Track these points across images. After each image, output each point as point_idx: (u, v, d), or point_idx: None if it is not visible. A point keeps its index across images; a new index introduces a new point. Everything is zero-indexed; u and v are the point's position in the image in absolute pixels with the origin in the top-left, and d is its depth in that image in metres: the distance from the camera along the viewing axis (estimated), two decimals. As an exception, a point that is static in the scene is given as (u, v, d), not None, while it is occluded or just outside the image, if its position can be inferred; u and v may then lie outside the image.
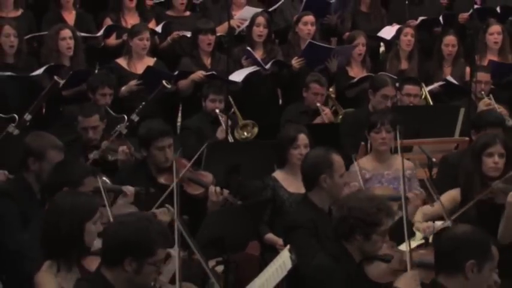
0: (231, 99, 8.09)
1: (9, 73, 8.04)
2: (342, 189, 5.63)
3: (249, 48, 8.78)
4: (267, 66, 8.69)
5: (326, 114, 8.20)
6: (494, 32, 9.30)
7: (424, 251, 5.07)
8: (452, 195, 6.06)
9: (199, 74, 8.50)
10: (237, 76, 8.45)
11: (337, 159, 5.65)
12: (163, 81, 8.15)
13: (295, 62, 8.84)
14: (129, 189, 5.82)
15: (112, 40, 8.99)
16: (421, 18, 9.78)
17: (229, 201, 6.19)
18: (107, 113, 7.55)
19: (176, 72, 8.56)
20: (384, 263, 4.81)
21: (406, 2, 10.01)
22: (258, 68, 8.62)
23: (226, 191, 6.16)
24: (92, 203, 4.66)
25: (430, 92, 8.85)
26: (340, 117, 8.43)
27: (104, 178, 5.95)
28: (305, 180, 5.67)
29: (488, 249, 4.21)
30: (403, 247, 5.06)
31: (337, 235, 4.84)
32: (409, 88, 8.29)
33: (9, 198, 5.90)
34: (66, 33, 8.32)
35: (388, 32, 9.69)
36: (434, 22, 9.83)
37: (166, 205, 5.77)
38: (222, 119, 7.82)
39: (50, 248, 4.52)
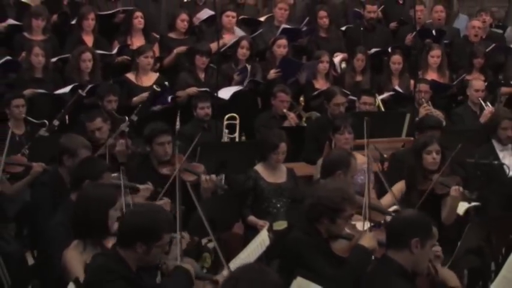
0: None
1: (42, 90, 8.04)
2: (351, 185, 5.64)
3: (247, 65, 8.83)
4: (245, 84, 8.69)
5: (292, 118, 8.18)
6: (435, 55, 9.34)
7: (377, 231, 5.08)
8: (399, 186, 6.07)
9: (194, 89, 8.48)
10: (225, 94, 8.41)
11: (354, 163, 5.73)
12: (154, 86, 8.30)
13: (273, 73, 8.84)
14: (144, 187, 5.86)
15: (121, 58, 8.95)
16: (374, 49, 9.77)
17: (218, 186, 6.20)
18: (112, 116, 7.52)
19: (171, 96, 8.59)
20: (346, 241, 4.85)
21: (362, 29, 10.02)
22: (241, 87, 8.62)
23: (214, 176, 6.17)
24: (114, 193, 4.72)
25: (382, 100, 8.87)
26: (304, 119, 8.42)
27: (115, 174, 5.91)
28: (323, 170, 5.80)
29: (430, 229, 4.25)
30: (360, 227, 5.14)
31: (308, 218, 4.85)
32: (365, 98, 8.30)
33: (45, 186, 5.93)
34: (87, 56, 8.29)
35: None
36: (383, 52, 9.82)
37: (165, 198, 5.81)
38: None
39: (79, 229, 4.53)
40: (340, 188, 4.98)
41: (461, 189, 5.68)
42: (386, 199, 5.99)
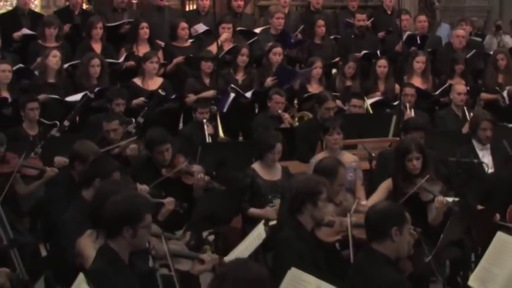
0: (218, 118, 8.14)
1: (55, 96, 8.07)
2: (337, 195, 5.64)
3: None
4: (248, 95, 8.70)
5: (286, 119, 8.19)
6: (420, 61, 9.33)
7: (360, 215, 5.12)
8: (386, 184, 6.03)
9: (211, 93, 8.44)
10: (222, 106, 8.44)
11: (342, 172, 5.69)
12: (159, 90, 8.31)
13: (269, 80, 8.86)
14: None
15: (129, 63, 8.98)
16: (363, 51, 9.80)
17: (211, 185, 6.23)
18: (120, 118, 7.48)
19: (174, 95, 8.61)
20: (329, 227, 4.90)
21: (352, 36, 10.07)
22: (234, 95, 8.62)
23: (207, 177, 6.21)
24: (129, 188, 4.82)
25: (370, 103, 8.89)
26: (296, 119, 8.44)
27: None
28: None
29: (404, 216, 4.28)
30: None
31: (291, 211, 4.88)
32: (354, 101, 8.29)
33: (59, 185, 5.98)
34: (96, 62, 8.33)
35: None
36: (373, 54, 9.84)
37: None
38: (207, 128, 7.82)
39: (95, 220, 4.53)
40: (312, 175, 5.11)
41: (445, 200, 5.62)
42: (375, 197, 5.99)
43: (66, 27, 9.15)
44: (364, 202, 5.87)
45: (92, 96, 8.00)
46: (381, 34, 10.42)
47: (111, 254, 4.04)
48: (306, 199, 4.81)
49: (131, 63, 8.90)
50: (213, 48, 8.90)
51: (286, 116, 8.23)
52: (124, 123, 7.28)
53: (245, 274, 3.22)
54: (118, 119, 7.13)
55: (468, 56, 9.70)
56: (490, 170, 6.79)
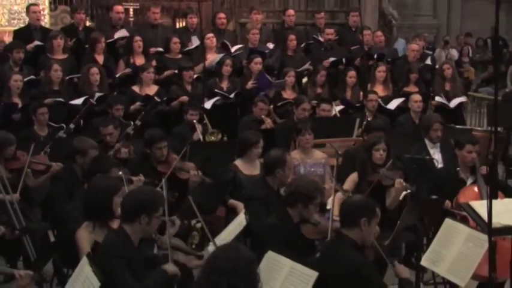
0: (205, 116, 8.12)
1: (60, 99, 8.03)
2: (288, 178, 5.72)
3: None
4: (232, 96, 8.72)
5: (268, 123, 8.19)
6: (381, 70, 9.34)
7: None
8: (353, 177, 6.09)
9: (185, 98, 8.47)
10: (207, 105, 8.47)
11: (289, 158, 5.71)
12: (155, 97, 8.28)
13: (250, 83, 8.91)
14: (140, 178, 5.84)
15: (127, 70, 8.96)
16: (331, 58, 9.82)
17: (204, 179, 6.24)
18: (119, 121, 7.50)
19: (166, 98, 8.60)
20: (314, 226, 4.92)
21: (322, 49, 10.07)
22: (219, 98, 8.65)
23: (201, 173, 6.25)
24: (117, 183, 4.76)
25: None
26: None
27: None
28: (265, 168, 5.78)
29: (374, 210, 4.30)
30: None
31: (284, 202, 4.89)
32: (324, 106, 8.27)
33: (61, 181, 5.91)
34: (95, 70, 8.32)
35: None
36: (339, 62, 9.85)
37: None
38: (198, 126, 7.82)
39: (89, 213, 4.51)
40: (314, 181, 5.09)
41: (403, 182, 5.72)
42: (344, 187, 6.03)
43: (71, 42, 9.12)
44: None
45: (94, 102, 7.98)
46: (345, 48, 10.41)
47: (124, 235, 4.07)
48: (300, 199, 4.84)
49: (127, 70, 8.90)
50: (199, 68, 8.96)
51: (268, 120, 8.24)
52: (119, 127, 7.25)
53: (237, 254, 3.22)
54: (113, 124, 7.10)
55: (420, 67, 9.75)
56: (440, 165, 6.82)
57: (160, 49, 9.35)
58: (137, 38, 9.09)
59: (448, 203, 5.81)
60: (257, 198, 5.68)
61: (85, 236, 4.45)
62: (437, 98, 9.18)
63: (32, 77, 8.34)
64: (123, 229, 4.09)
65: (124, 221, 4.11)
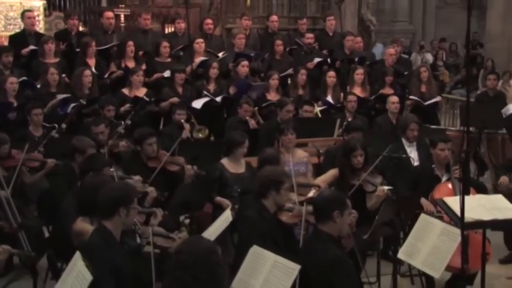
0: (192, 117, 8.10)
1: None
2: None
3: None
4: (218, 99, 8.68)
5: (252, 124, 8.18)
6: (359, 73, 9.38)
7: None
8: (332, 172, 6.08)
9: (175, 99, 8.45)
10: (197, 104, 8.47)
11: (282, 158, 5.80)
12: (144, 97, 8.24)
13: (231, 90, 8.87)
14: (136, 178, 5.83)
15: (119, 72, 8.92)
16: (316, 59, 9.83)
17: (198, 173, 6.27)
18: (110, 121, 7.47)
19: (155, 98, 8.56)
20: (288, 212, 4.97)
21: (303, 53, 10.09)
22: (209, 99, 8.60)
23: (195, 167, 6.30)
24: (109, 181, 4.73)
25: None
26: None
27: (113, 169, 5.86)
28: (260, 165, 5.68)
29: (345, 202, 4.30)
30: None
31: (257, 195, 4.88)
32: (306, 107, 8.31)
33: (60, 176, 5.94)
34: (88, 72, 8.29)
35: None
36: (324, 63, 9.86)
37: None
38: (186, 125, 7.82)
39: (85, 208, 4.48)
40: (277, 167, 5.16)
41: (385, 189, 5.67)
42: (323, 177, 6.06)
43: (63, 46, 9.08)
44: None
45: (84, 103, 7.96)
46: (324, 52, 10.42)
47: (106, 232, 4.02)
48: (270, 186, 4.81)
49: (119, 72, 8.86)
50: (188, 70, 8.93)
51: (252, 121, 8.23)
52: (110, 126, 7.23)
53: (197, 246, 3.22)
54: (104, 123, 7.08)
55: (396, 70, 9.79)
56: (416, 163, 6.85)
57: (147, 50, 9.32)
58: (130, 42, 9.06)
59: (430, 207, 5.78)
60: (251, 193, 5.61)
61: (86, 225, 4.43)
62: (411, 97, 9.25)
63: (25, 78, 8.26)
64: (104, 227, 4.04)
65: (103, 218, 4.06)
